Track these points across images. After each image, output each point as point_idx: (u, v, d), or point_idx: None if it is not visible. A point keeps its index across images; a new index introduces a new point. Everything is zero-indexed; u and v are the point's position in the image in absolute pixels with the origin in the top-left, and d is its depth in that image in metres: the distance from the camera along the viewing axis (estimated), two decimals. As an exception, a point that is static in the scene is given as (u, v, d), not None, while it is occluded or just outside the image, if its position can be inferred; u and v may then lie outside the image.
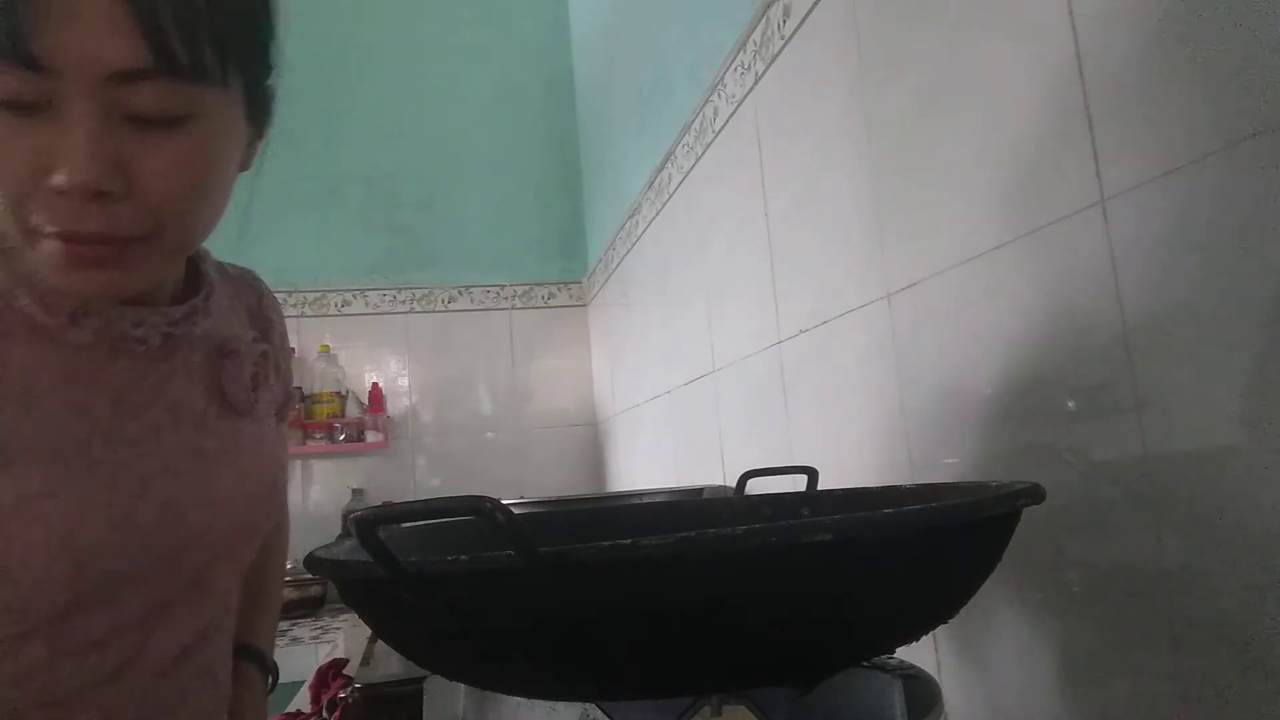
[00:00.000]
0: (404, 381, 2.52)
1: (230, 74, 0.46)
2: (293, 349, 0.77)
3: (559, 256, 2.68)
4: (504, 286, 2.61)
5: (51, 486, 0.47)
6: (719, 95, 1.30)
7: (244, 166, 0.53)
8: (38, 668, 0.49)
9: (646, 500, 0.96)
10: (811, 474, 0.70)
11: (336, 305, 2.51)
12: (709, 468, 1.45)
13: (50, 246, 0.44)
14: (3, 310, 0.48)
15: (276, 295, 0.73)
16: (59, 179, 0.41)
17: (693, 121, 1.44)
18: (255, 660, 0.72)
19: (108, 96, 0.41)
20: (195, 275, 0.61)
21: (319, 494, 2.42)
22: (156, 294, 0.56)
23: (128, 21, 0.40)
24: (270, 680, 0.74)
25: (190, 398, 0.57)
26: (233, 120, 0.48)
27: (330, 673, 0.96)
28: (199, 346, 0.59)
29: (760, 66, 1.14)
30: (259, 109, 0.52)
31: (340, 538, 1.82)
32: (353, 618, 1.53)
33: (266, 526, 0.64)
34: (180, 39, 0.42)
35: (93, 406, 0.51)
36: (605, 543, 0.31)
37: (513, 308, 2.61)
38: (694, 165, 1.45)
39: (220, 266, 0.67)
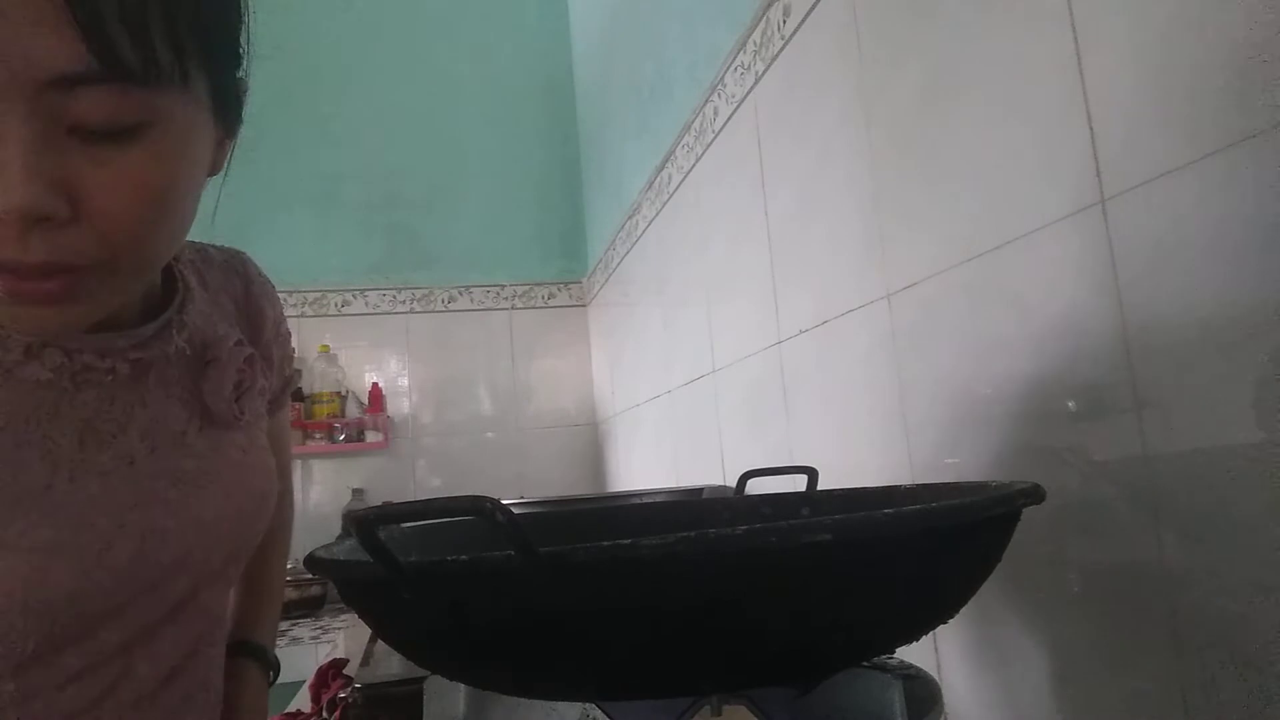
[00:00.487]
0: (404, 381, 2.53)
1: (190, 71, 0.40)
2: (292, 350, 0.75)
3: (559, 256, 2.68)
4: (504, 286, 2.61)
5: (10, 537, 0.43)
6: (719, 95, 1.30)
7: (213, 170, 0.47)
8: (6, 707, 0.45)
9: (646, 500, 0.96)
10: (811, 474, 0.70)
11: (336, 305, 2.52)
12: (709, 468, 1.45)
13: None
14: None
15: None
16: None
17: (693, 121, 1.44)
18: (256, 656, 0.71)
19: (46, 106, 0.36)
20: (170, 279, 0.56)
21: (319, 494, 2.42)
22: (123, 312, 0.51)
23: (62, 16, 0.34)
24: (271, 675, 0.73)
25: (167, 417, 0.53)
26: (196, 124, 0.42)
27: (330, 673, 0.96)
28: (176, 359, 0.54)
29: (760, 66, 1.14)
30: (227, 106, 0.45)
31: (340, 538, 1.82)
32: (353, 618, 1.54)
33: (256, 541, 0.61)
34: (127, 36, 0.36)
35: (56, 444, 0.46)
36: (604, 542, 0.31)
37: (513, 308, 2.61)
38: (694, 165, 1.45)
39: (202, 255, 0.63)
